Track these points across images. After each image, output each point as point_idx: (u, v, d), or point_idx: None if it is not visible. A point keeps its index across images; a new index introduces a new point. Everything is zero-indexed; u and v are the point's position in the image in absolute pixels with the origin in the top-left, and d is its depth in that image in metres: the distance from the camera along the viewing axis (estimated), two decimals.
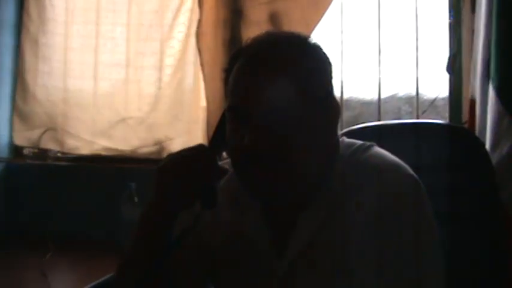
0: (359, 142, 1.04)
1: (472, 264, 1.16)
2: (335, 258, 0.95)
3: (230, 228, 1.06)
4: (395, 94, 2.08)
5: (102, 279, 1.55)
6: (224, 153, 1.03)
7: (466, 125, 1.71)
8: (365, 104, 2.11)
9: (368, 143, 1.03)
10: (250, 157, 0.91)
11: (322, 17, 1.99)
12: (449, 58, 1.96)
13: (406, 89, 2.07)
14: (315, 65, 0.97)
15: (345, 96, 2.13)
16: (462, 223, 1.17)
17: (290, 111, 0.91)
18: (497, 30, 1.44)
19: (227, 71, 1.00)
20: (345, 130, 1.30)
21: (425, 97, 2.05)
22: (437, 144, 1.21)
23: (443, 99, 2.03)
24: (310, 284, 0.97)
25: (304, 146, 0.92)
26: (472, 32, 1.72)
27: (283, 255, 0.99)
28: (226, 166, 1.00)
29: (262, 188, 0.93)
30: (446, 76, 1.99)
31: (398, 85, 2.08)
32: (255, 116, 0.91)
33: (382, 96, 2.08)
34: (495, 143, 1.42)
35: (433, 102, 2.02)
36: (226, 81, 1.00)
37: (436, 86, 2.03)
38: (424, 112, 2.03)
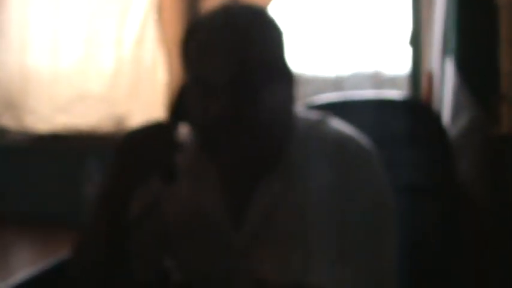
0: (316, 114, 1.07)
1: (427, 236, 1.19)
2: (293, 229, 0.97)
3: (188, 201, 1.06)
4: (357, 72, 2.08)
5: (61, 258, 1.53)
6: (181, 126, 1.03)
7: (424, 99, 1.73)
8: (325, 81, 2.10)
9: (325, 115, 1.06)
10: (216, 126, 0.93)
11: None
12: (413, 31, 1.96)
13: (368, 67, 2.07)
14: (273, 36, 1.00)
15: (305, 73, 2.11)
16: (418, 196, 1.20)
17: (255, 79, 0.94)
18: (456, 3, 1.45)
19: (186, 43, 1.01)
20: (303, 102, 1.31)
21: (388, 74, 2.05)
22: (394, 119, 1.23)
23: (406, 76, 2.03)
24: (268, 256, 0.98)
25: (266, 114, 0.94)
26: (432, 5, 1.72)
27: (241, 227, 1.00)
28: (182, 139, 1.01)
29: (227, 155, 0.95)
30: (409, 52, 1.99)
31: (360, 62, 2.07)
32: (223, 85, 0.93)
33: (344, 74, 2.08)
34: (453, 117, 1.44)
35: (393, 79, 2.03)
36: (185, 53, 1.01)
37: (399, 63, 2.03)
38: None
